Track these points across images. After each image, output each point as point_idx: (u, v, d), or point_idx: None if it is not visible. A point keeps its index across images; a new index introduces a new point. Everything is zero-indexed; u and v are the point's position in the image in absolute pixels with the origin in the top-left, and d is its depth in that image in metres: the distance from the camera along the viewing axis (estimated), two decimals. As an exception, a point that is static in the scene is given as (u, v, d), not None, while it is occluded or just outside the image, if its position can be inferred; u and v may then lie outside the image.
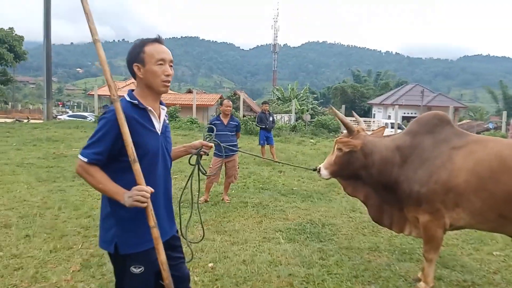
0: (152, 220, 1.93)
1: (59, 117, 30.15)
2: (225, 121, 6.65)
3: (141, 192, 1.86)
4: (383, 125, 3.65)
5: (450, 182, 3.15)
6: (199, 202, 6.36)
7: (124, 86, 35.96)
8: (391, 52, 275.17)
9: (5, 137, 13.96)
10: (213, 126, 2.72)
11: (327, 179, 3.71)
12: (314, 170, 3.72)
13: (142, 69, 2.00)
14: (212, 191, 6.90)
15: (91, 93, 40.00)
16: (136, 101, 2.01)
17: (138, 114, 2.00)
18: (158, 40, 2.05)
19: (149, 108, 2.04)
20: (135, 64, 2.01)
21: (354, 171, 3.53)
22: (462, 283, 3.68)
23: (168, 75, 2.02)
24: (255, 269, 3.83)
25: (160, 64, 2.00)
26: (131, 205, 1.85)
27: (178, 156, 2.37)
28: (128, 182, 1.91)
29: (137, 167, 1.90)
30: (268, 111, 11.36)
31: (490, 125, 31.87)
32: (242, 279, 3.61)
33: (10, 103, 46.60)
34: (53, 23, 23.06)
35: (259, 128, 11.50)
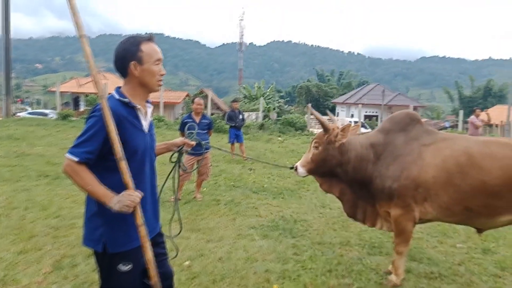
0: (140, 219, 1.93)
1: (18, 114, 28.83)
2: (197, 119, 6.63)
3: (131, 197, 1.86)
4: (350, 123, 3.72)
5: (420, 178, 3.32)
6: (170, 200, 6.31)
7: (86, 83, 34.86)
8: (353, 52, 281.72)
9: None
10: (194, 124, 2.75)
11: (304, 176, 3.78)
12: (292, 168, 3.80)
13: (139, 68, 2.00)
14: (184, 189, 6.87)
15: (52, 89, 38.47)
16: (126, 100, 2.00)
17: (127, 112, 1.99)
18: (151, 39, 2.06)
19: (139, 106, 2.04)
20: (133, 62, 1.99)
21: (330, 168, 3.62)
22: (429, 275, 3.88)
23: (162, 75, 2.07)
24: (232, 266, 3.88)
25: (157, 63, 2.04)
26: (119, 211, 1.85)
27: (159, 153, 2.39)
28: (116, 181, 1.91)
29: (123, 165, 1.89)
30: (238, 109, 11.40)
31: (447, 124, 33.38)
32: (219, 277, 3.64)
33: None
34: (11, 17, 21.99)
35: (228, 126, 11.52)
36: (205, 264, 3.89)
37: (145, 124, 2.08)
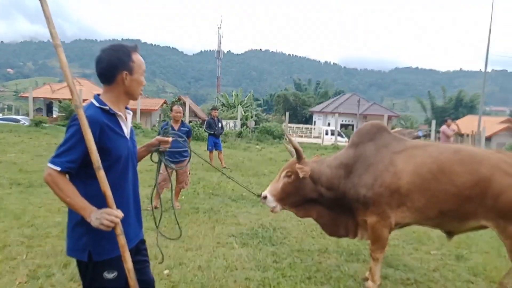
0: (119, 228, 1.91)
1: (-13, 120, 27.90)
2: (176, 127, 6.61)
3: (110, 217, 1.83)
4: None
5: (394, 184, 3.42)
6: (148, 209, 6.24)
7: (59, 88, 34.06)
8: (330, 62, 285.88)
9: None
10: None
11: (272, 207, 3.67)
12: (259, 196, 3.70)
13: (129, 78, 2.03)
14: (162, 197, 6.79)
15: (24, 95, 37.47)
16: (106, 107, 1.99)
17: (108, 119, 1.99)
18: (137, 49, 2.09)
19: (119, 113, 2.04)
20: (125, 72, 2.01)
21: (304, 196, 3.65)
22: (405, 281, 3.98)
23: (143, 85, 2.13)
24: (212, 275, 3.87)
25: (143, 74, 2.10)
26: (96, 227, 1.83)
27: (141, 156, 2.38)
28: (97, 189, 1.90)
29: (101, 174, 1.88)
30: (217, 117, 11.41)
31: (420, 133, 34.04)
32: (199, 285, 3.63)
33: None
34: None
35: (207, 134, 11.51)
36: (185, 273, 3.87)
37: (126, 130, 2.09)
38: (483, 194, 3.30)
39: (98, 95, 2.06)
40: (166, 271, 3.87)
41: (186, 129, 6.76)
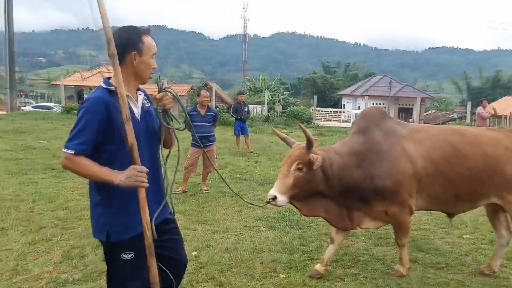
0: (143, 199, 1.93)
1: (22, 108, 28.99)
2: (202, 112, 6.64)
3: (142, 174, 1.89)
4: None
5: (411, 170, 3.33)
6: (177, 192, 6.35)
7: (89, 76, 34.87)
8: (359, 43, 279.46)
9: None
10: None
11: (280, 205, 3.33)
12: (268, 202, 3.14)
13: (138, 59, 2.02)
14: (190, 182, 6.89)
15: (55, 83, 38.57)
16: (112, 87, 1.98)
17: (115, 100, 1.96)
18: (149, 32, 2.08)
19: (127, 93, 2.00)
20: (133, 52, 2.01)
21: (315, 188, 3.28)
22: (436, 265, 3.88)
23: (154, 68, 2.11)
24: (239, 257, 3.90)
25: (153, 57, 2.09)
26: (131, 186, 1.86)
27: (164, 136, 2.22)
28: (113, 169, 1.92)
29: (129, 126, 1.88)
30: (244, 101, 11.38)
31: (455, 115, 33.14)
32: (226, 267, 3.67)
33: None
34: (13, 10, 22.01)
35: (234, 119, 11.51)
36: (212, 255, 3.92)
37: (136, 111, 2.07)
38: (494, 174, 3.44)
39: (108, 78, 2.07)
40: (194, 253, 3.93)
41: (212, 114, 6.78)
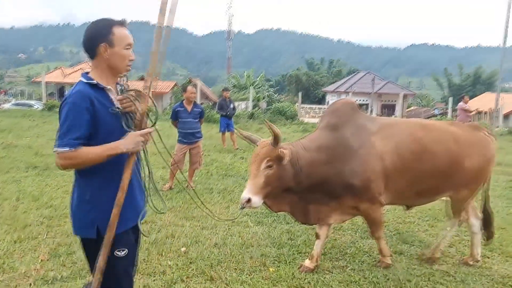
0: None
1: (2, 105, 28.34)
2: (189, 108, 6.61)
3: (146, 136, 2.00)
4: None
5: (379, 167, 3.34)
6: (163, 189, 6.32)
7: (71, 73, 34.30)
8: (343, 40, 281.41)
9: None
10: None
11: (256, 207, 3.15)
12: (243, 208, 3.07)
13: (109, 50, 1.97)
14: (177, 178, 6.85)
15: (36, 80, 37.87)
16: (94, 81, 1.97)
17: (98, 94, 1.96)
18: (123, 23, 2.03)
19: (108, 87, 2.02)
20: (103, 44, 1.96)
21: (285, 184, 3.20)
22: (421, 257, 3.96)
23: (131, 60, 2.06)
24: (228, 251, 3.92)
25: (127, 48, 2.03)
26: (138, 149, 1.97)
27: None
28: (102, 166, 1.93)
29: None
30: (229, 98, 11.35)
31: (436, 111, 33.68)
32: (216, 261, 3.68)
33: None
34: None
35: (219, 116, 11.49)
36: (201, 250, 3.93)
37: (118, 104, 2.04)
38: (456, 169, 3.55)
39: (87, 73, 2.04)
40: (183, 249, 3.93)
41: (199, 109, 6.76)
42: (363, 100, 36.86)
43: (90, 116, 1.88)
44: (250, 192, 3.01)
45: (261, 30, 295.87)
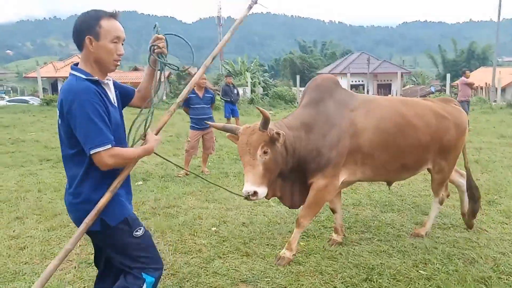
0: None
1: (-3, 103, 28.10)
2: (200, 94, 6.67)
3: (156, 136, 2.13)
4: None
5: (358, 143, 3.29)
6: (179, 176, 6.41)
7: (63, 67, 33.92)
8: (334, 21, 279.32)
9: None
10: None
11: (261, 198, 3.00)
12: (246, 198, 2.92)
13: (94, 43, 1.89)
14: (191, 165, 6.96)
15: (28, 75, 37.46)
16: (95, 78, 1.92)
17: (100, 89, 1.92)
18: (114, 15, 1.94)
19: (106, 81, 1.98)
20: (88, 36, 1.88)
21: (280, 167, 3.09)
22: (442, 226, 4.14)
23: (120, 55, 1.96)
24: (257, 230, 4.05)
25: (115, 42, 1.93)
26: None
27: (149, 81, 2.25)
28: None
29: None
30: (232, 83, 11.41)
31: (432, 89, 33.80)
32: (247, 239, 3.81)
33: None
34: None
35: (223, 102, 11.54)
36: (231, 229, 4.05)
37: (112, 97, 2.03)
38: (435, 143, 3.62)
39: (76, 65, 1.96)
40: (213, 228, 4.06)
41: (210, 95, 6.82)
42: (359, 81, 36.92)
43: (104, 113, 1.86)
44: (254, 184, 2.86)
45: (251, 14, 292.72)
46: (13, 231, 4.03)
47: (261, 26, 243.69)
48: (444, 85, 29.51)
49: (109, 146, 1.82)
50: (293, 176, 3.27)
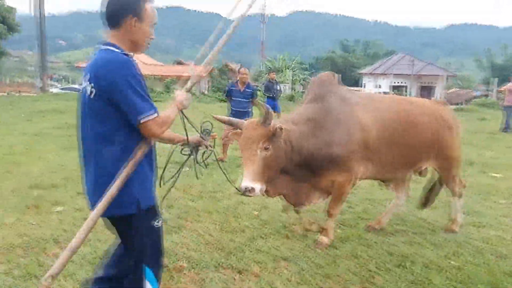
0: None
1: (51, 90, 29.76)
2: (241, 88, 7.02)
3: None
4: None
5: (365, 138, 3.32)
6: (220, 159, 6.76)
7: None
8: (379, 21, 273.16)
9: (8, 109, 14.07)
10: (210, 123, 2.39)
11: (257, 195, 2.95)
12: (243, 194, 2.90)
13: (137, 25, 1.92)
14: (229, 156, 7.26)
15: (79, 65, 39.30)
16: (132, 54, 1.97)
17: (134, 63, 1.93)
18: (152, 1, 2.01)
19: (136, 61, 1.99)
20: (133, 16, 1.91)
21: (281, 164, 3.06)
22: (477, 224, 4.24)
23: (152, 39, 2.04)
24: (295, 216, 4.30)
25: (152, 26, 2.01)
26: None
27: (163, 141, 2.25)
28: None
29: None
30: (275, 79, 11.67)
31: (477, 93, 32.66)
32: (287, 224, 4.10)
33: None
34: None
35: (265, 97, 11.84)
36: (272, 214, 4.35)
37: None
38: (436, 142, 3.74)
39: (111, 44, 1.93)
40: (255, 212, 4.38)
41: (250, 90, 7.13)
42: (402, 83, 36.20)
43: (144, 85, 1.90)
44: (251, 181, 2.81)
45: (294, 13, 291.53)
46: (77, 204, 4.50)
47: (303, 25, 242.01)
48: (489, 90, 28.46)
49: (156, 115, 1.85)
50: (299, 174, 3.23)
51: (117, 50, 1.89)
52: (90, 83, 1.86)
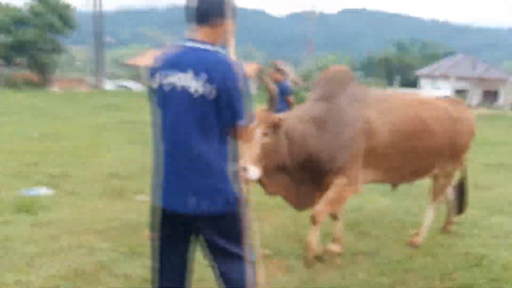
0: None
1: (105, 87, 30.61)
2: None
3: None
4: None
5: (373, 144, 3.14)
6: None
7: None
8: (437, 20, 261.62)
9: (67, 105, 14.93)
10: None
11: (255, 180, 2.73)
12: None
13: (230, 29, 1.96)
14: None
15: (128, 62, 40.74)
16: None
17: None
18: None
19: None
20: (233, 22, 1.96)
21: (280, 159, 2.95)
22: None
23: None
24: (366, 216, 4.48)
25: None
26: None
27: None
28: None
29: None
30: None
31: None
32: (358, 222, 4.26)
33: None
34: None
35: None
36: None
37: None
38: (449, 147, 3.53)
39: (204, 41, 1.91)
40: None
41: (279, 87, 6.90)
42: (462, 86, 34.58)
43: None
44: (248, 161, 2.54)
45: (344, 10, 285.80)
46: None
47: (354, 23, 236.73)
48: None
49: (250, 124, 1.93)
50: (302, 176, 3.12)
51: (222, 51, 1.92)
52: (208, 83, 1.82)
